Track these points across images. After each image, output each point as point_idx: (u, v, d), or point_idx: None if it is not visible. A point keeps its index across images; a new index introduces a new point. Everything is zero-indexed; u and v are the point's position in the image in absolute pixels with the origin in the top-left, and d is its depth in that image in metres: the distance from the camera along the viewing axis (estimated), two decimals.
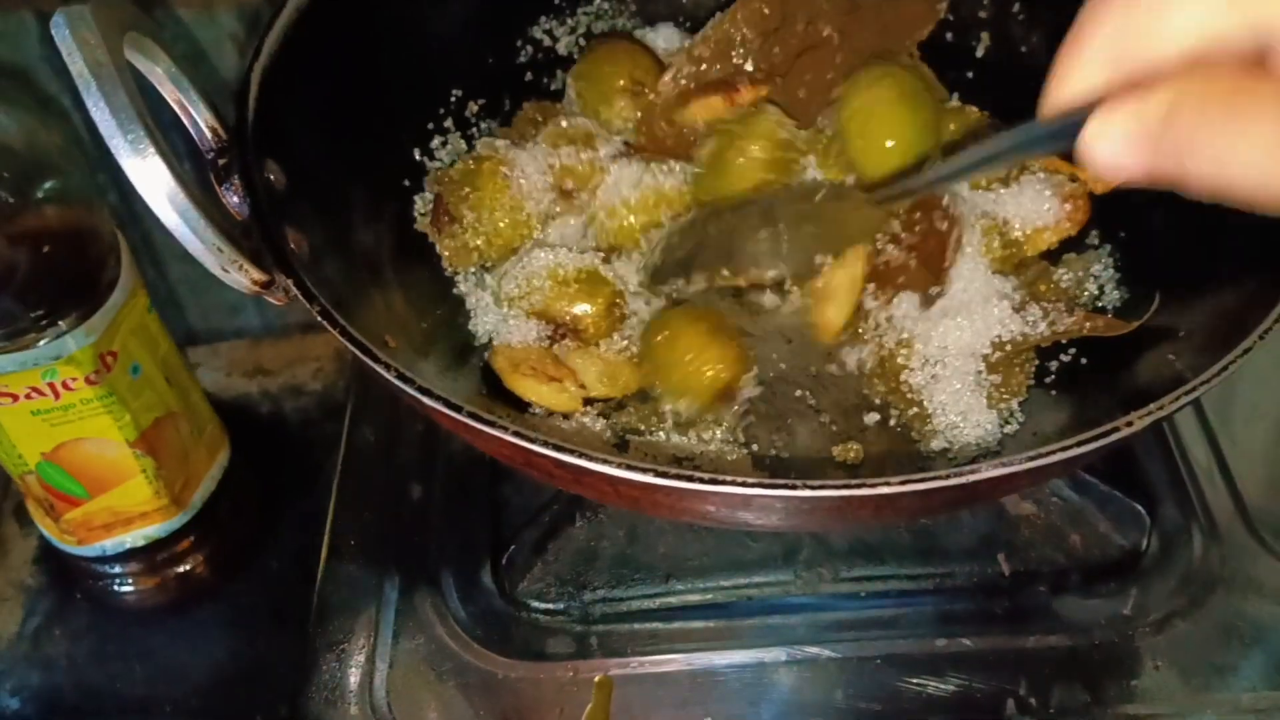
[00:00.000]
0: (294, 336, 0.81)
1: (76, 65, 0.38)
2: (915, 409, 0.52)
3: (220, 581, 0.68)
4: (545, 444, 0.39)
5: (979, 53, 0.62)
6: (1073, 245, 0.58)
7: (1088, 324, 0.51)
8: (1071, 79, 0.32)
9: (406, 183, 0.59)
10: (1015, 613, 0.53)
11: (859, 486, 0.37)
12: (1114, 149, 0.30)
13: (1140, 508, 0.54)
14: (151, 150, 0.38)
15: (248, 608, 0.66)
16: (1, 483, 0.73)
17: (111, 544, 0.65)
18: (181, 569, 0.68)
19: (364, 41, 0.55)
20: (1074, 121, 0.31)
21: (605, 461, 0.38)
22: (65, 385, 0.57)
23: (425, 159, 0.60)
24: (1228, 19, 0.28)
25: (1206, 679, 0.51)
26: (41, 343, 0.56)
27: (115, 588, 0.67)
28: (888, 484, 0.37)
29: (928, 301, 0.52)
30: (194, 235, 0.40)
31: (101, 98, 0.38)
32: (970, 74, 0.63)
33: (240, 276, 0.42)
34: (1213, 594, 0.54)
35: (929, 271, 0.52)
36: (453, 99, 0.62)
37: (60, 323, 0.56)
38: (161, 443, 0.63)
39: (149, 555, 0.67)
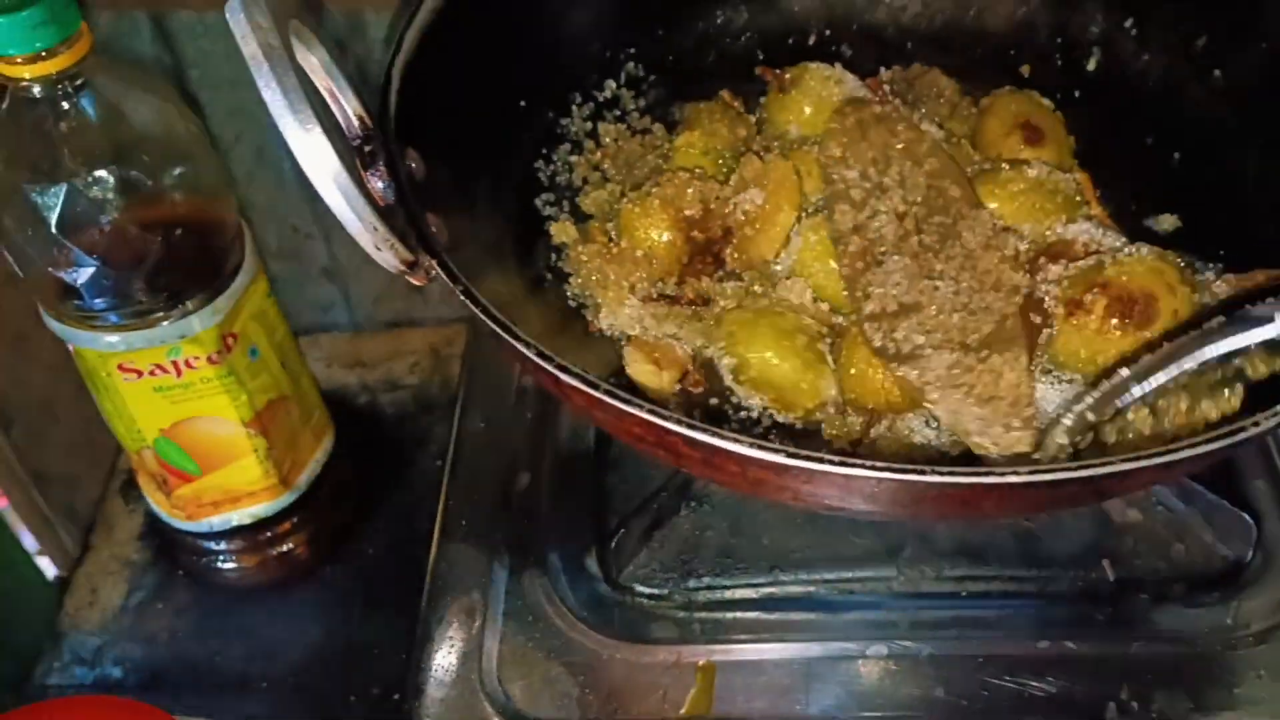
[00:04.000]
0: (392, 331, 0.83)
1: (250, 47, 0.40)
2: None
3: (318, 563, 0.69)
4: (679, 422, 0.40)
5: (1090, 67, 0.63)
6: None
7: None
8: None
9: (527, 178, 0.61)
10: (1118, 619, 0.54)
11: (986, 474, 0.38)
12: None
13: (1248, 518, 0.55)
14: (318, 129, 0.40)
15: (343, 591, 0.68)
16: (109, 461, 0.76)
17: (219, 521, 0.67)
18: (283, 549, 0.69)
19: (492, 43, 0.57)
20: None
21: (737, 441, 0.40)
22: (188, 364, 0.59)
23: (543, 159, 0.62)
24: None
25: None
26: (168, 322, 0.58)
27: (218, 564, 0.69)
28: (1016, 473, 0.38)
29: None
30: (353, 212, 0.41)
31: (273, 78, 0.40)
32: (1078, 92, 0.63)
33: (390, 255, 0.43)
34: None
35: None
36: (573, 100, 0.64)
37: (187, 303, 0.58)
38: (274, 424, 0.64)
39: (253, 534, 0.68)
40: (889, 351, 0.51)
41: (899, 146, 0.55)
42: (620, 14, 0.64)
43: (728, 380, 0.54)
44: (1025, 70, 0.64)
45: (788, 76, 0.62)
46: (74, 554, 0.71)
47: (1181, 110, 0.59)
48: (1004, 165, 0.58)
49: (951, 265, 0.52)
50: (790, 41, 0.66)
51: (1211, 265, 0.56)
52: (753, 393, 0.53)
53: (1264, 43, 0.56)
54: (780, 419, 0.53)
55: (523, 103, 0.61)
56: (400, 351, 0.82)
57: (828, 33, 0.65)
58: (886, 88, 0.62)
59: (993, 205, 0.56)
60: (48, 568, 0.70)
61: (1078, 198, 0.57)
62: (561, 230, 0.58)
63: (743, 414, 0.53)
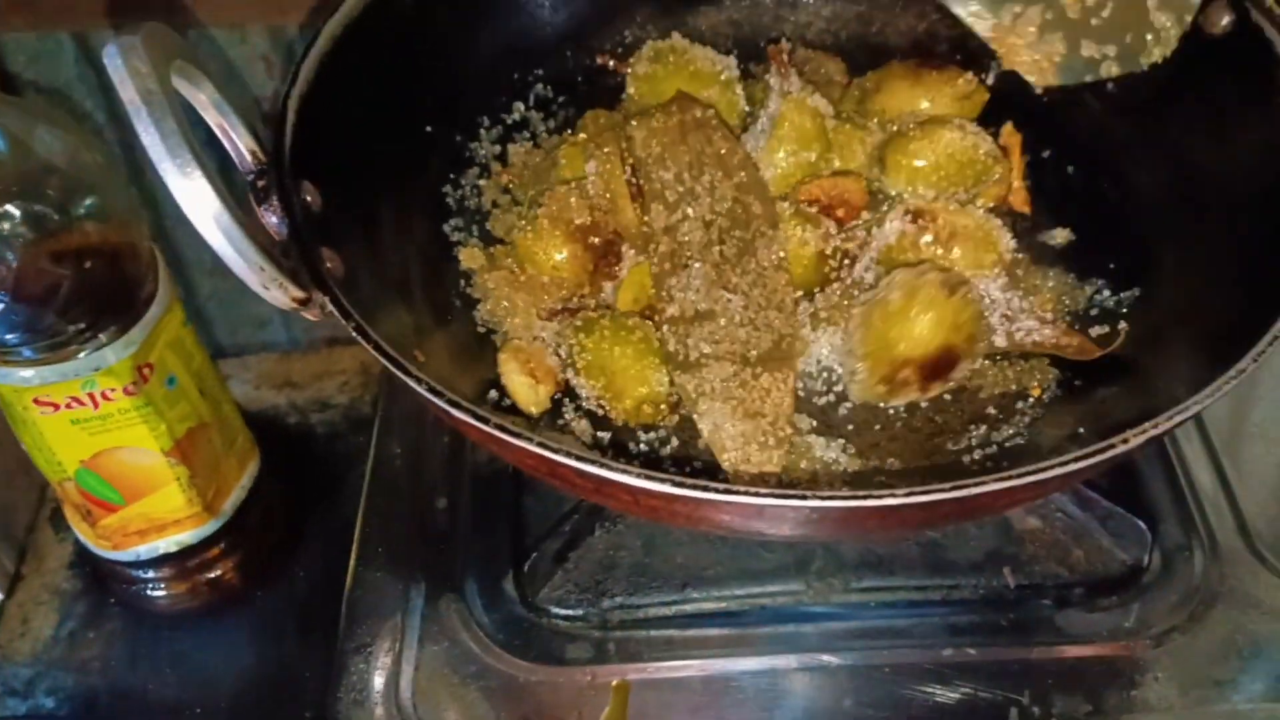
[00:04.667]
0: (321, 350, 0.82)
1: (128, 93, 0.40)
2: None
3: (249, 588, 0.69)
4: (568, 454, 0.41)
5: (989, 80, 0.63)
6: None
7: (1062, 340, 0.53)
8: None
9: (435, 205, 0.61)
10: (1019, 625, 0.55)
11: (865, 497, 0.39)
12: None
13: (1142, 524, 0.56)
14: (199, 174, 0.40)
15: (275, 615, 0.68)
16: (38, 490, 0.75)
17: (145, 549, 0.67)
18: (212, 575, 0.69)
19: (394, 70, 0.57)
20: None
21: (625, 472, 0.40)
22: (104, 395, 0.59)
23: (450, 184, 0.63)
24: None
25: (1205, 691, 0.52)
26: (82, 355, 0.57)
27: (148, 592, 0.69)
28: (893, 495, 0.38)
29: None
30: (237, 254, 0.42)
31: (151, 124, 0.40)
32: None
33: (279, 294, 0.44)
34: (1213, 609, 0.55)
35: None
36: (481, 124, 0.64)
37: (100, 335, 0.58)
38: (195, 452, 0.64)
39: (181, 561, 0.68)
40: (678, 358, 0.52)
41: (713, 155, 0.56)
42: (526, 37, 0.64)
43: (569, 372, 0.55)
44: None
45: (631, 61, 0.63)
46: (9, 582, 0.70)
47: (1077, 123, 0.60)
48: (913, 128, 0.59)
49: (745, 280, 0.53)
50: None
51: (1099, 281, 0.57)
52: (586, 380, 0.54)
53: None
54: (609, 410, 0.54)
55: (428, 128, 0.61)
56: (330, 371, 0.81)
57: (735, 51, 0.66)
58: (785, 56, 0.63)
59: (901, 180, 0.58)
60: None
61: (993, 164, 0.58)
62: (470, 256, 0.59)
63: (579, 404, 0.54)
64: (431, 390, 0.43)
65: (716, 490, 0.39)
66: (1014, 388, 0.54)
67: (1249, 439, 0.62)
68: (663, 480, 0.40)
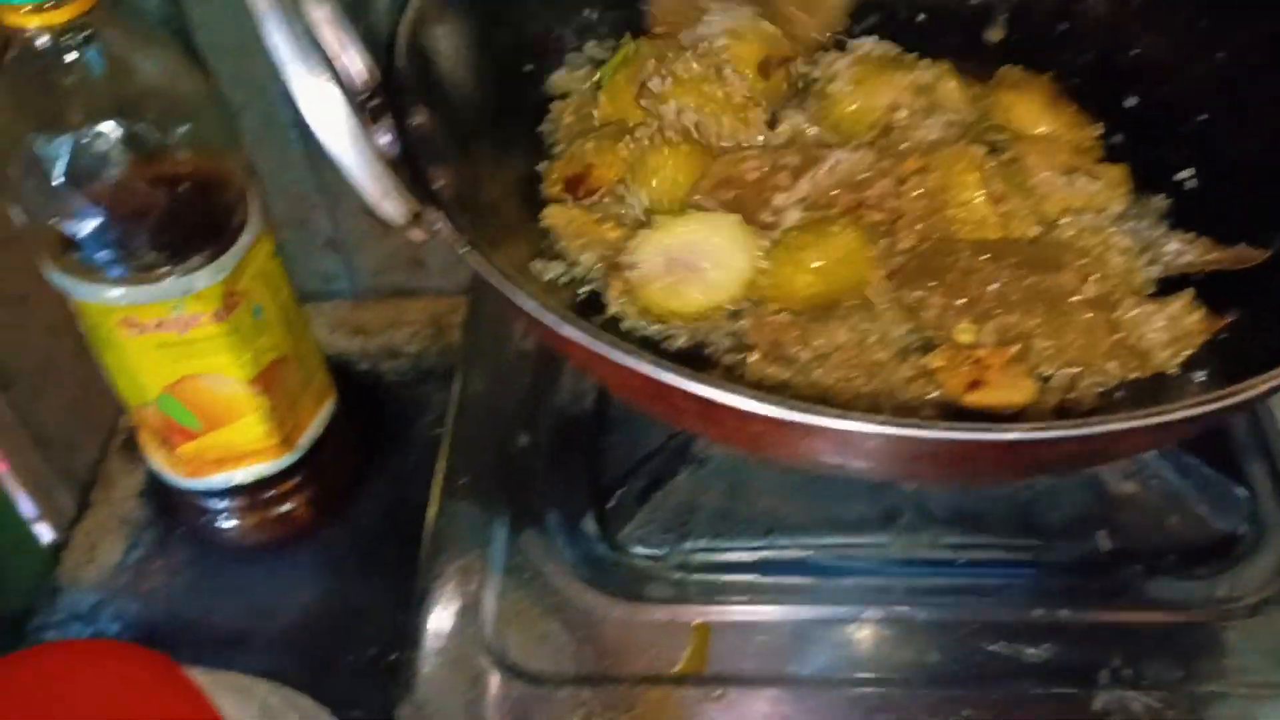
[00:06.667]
0: (393, 300, 0.83)
1: None
2: None
3: (316, 525, 0.70)
4: (678, 373, 0.40)
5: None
6: None
7: (1213, 255, 0.51)
8: None
9: (532, 144, 0.61)
10: (1111, 589, 0.54)
11: (985, 430, 0.38)
12: None
13: (1243, 492, 0.55)
14: (327, 77, 0.40)
15: (340, 553, 0.69)
16: (108, 421, 0.76)
17: (221, 479, 0.67)
18: (282, 509, 0.70)
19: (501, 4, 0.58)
20: None
21: (736, 393, 0.40)
22: (191, 320, 0.60)
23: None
24: None
25: None
26: (172, 278, 0.58)
27: (218, 523, 0.70)
28: (1015, 429, 0.38)
29: None
30: (360, 161, 0.41)
31: (283, 25, 0.40)
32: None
33: (395, 206, 0.43)
34: None
35: None
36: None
37: (191, 260, 0.58)
38: (276, 384, 0.65)
39: (254, 493, 0.69)
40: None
41: None
42: None
43: None
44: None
45: None
46: (70, 516, 0.71)
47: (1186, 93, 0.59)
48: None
49: None
50: None
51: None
52: None
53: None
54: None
55: (528, 66, 0.61)
56: (400, 320, 0.82)
57: None
58: None
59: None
60: (44, 533, 0.70)
61: None
62: (555, 214, 0.57)
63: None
64: (541, 308, 0.42)
65: (831, 415, 0.39)
66: None
67: None
68: (774, 404, 0.39)
